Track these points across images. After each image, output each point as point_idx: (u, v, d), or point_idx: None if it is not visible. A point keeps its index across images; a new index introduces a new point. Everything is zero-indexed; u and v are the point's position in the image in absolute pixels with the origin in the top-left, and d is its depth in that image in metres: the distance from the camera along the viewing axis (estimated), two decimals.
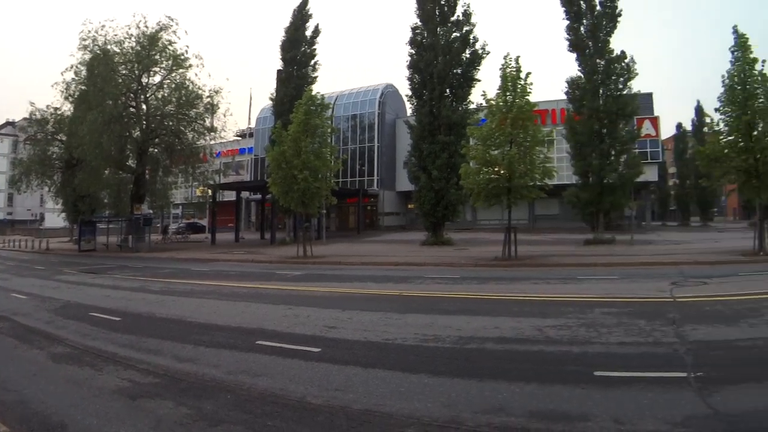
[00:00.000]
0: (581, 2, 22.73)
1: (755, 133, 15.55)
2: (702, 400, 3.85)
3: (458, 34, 23.88)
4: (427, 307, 8.57)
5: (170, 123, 28.75)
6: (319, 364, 5.23)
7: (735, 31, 16.18)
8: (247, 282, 12.86)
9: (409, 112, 32.97)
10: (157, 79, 28.29)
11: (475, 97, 24.07)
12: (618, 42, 23.65)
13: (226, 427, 3.79)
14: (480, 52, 23.75)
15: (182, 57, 27.55)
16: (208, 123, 29.31)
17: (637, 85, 22.95)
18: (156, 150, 29.75)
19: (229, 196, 41.05)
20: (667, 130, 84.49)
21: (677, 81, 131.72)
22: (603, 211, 22.73)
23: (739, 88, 15.88)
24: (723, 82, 16.27)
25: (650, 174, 37.14)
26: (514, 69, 16.02)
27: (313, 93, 21.13)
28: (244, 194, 41.99)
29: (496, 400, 4.00)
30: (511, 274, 12.78)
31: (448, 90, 23.76)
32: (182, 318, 8.24)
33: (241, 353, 5.85)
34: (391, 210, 44.11)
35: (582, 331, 5.97)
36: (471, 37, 23.80)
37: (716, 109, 16.78)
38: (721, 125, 16.60)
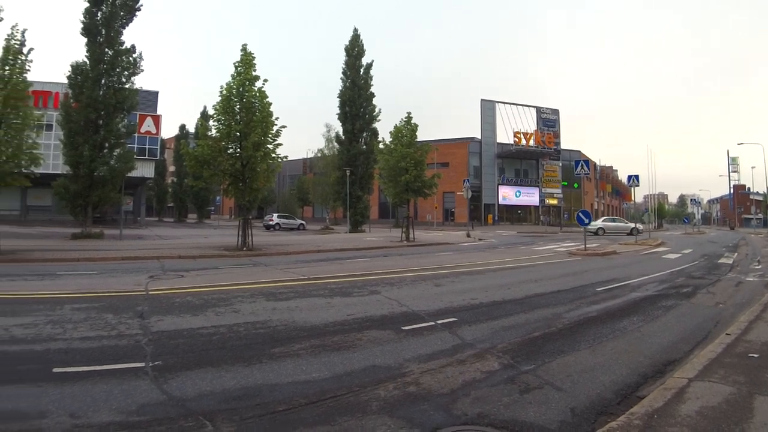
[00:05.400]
0: None
1: (245, 142, 16.66)
2: (157, 387, 4.08)
3: None
4: None
5: None
6: None
7: (243, 49, 17.46)
8: None
9: None
10: None
11: None
12: (134, 36, 24.09)
13: None
14: None
15: None
16: None
17: (144, 82, 24.05)
18: None
19: None
20: (172, 130, 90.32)
21: (185, 81, 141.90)
22: (92, 204, 22.14)
23: (235, 99, 16.95)
24: (221, 93, 17.15)
25: (147, 170, 39.21)
26: (18, 42, 14.52)
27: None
28: None
29: None
30: None
31: None
32: None
33: None
34: None
35: (48, 328, 5.83)
36: None
37: (211, 116, 18.31)
38: (213, 131, 17.86)
